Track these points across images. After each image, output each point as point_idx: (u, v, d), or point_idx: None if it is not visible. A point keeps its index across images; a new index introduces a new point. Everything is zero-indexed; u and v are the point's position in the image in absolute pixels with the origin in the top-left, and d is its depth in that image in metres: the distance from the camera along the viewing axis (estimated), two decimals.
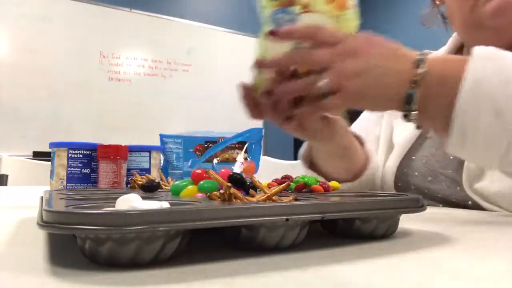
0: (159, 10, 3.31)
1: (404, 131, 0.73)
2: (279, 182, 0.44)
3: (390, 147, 0.76)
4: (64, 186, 0.67)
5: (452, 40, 0.72)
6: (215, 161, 0.77)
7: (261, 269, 0.24)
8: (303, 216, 0.28)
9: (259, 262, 0.25)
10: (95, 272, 0.23)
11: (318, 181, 0.43)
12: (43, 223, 0.24)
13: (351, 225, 0.32)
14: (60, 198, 0.34)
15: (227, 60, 3.56)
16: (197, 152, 0.79)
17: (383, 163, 0.75)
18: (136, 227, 0.22)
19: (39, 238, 0.33)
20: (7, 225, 0.40)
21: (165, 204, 0.25)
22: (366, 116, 0.84)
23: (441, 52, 0.73)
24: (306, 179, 0.43)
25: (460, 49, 0.71)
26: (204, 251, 0.28)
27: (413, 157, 0.70)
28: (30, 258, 0.27)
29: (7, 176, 1.62)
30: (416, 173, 0.68)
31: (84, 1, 3.01)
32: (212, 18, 3.53)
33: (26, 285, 0.21)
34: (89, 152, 0.69)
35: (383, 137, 0.79)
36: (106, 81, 3.09)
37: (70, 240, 0.30)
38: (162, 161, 0.80)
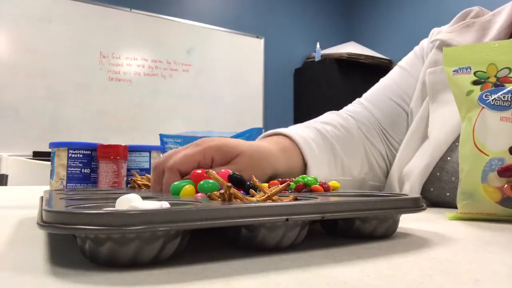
0: (159, 10, 3.31)
1: (440, 122, 0.61)
2: (280, 181, 0.44)
3: (423, 137, 0.64)
4: (64, 186, 0.67)
5: None
6: None
7: (261, 269, 0.24)
8: (303, 216, 0.28)
9: (259, 262, 0.25)
10: (95, 272, 0.23)
11: (318, 181, 0.43)
12: (43, 223, 0.24)
13: (351, 225, 0.32)
14: (60, 198, 0.34)
15: (227, 60, 3.56)
16: None
17: (406, 156, 0.64)
18: (136, 227, 0.22)
19: (39, 238, 0.33)
20: (7, 225, 0.40)
21: (165, 204, 0.25)
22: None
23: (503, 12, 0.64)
24: (306, 179, 0.43)
25: None
26: (204, 251, 0.28)
27: (449, 158, 0.58)
28: (30, 258, 0.27)
29: (7, 176, 1.63)
30: (453, 178, 0.57)
31: (84, 1, 3.01)
32: (212, 18, 3.53)
33: (26, 285, 0.21)
34: (89, 152, 0.69)
35: (419, 119, 0.65)
36: (106, 81, 3.09)
37: (70, 240, 0.31)
38: None
